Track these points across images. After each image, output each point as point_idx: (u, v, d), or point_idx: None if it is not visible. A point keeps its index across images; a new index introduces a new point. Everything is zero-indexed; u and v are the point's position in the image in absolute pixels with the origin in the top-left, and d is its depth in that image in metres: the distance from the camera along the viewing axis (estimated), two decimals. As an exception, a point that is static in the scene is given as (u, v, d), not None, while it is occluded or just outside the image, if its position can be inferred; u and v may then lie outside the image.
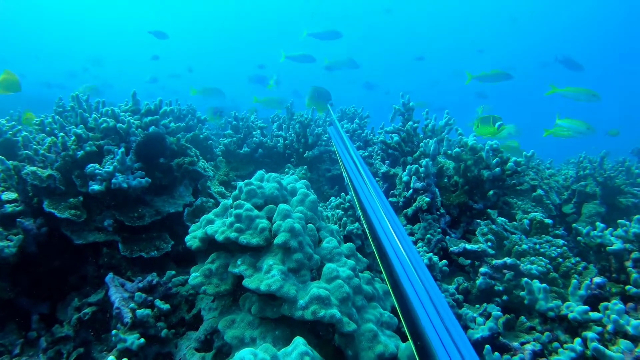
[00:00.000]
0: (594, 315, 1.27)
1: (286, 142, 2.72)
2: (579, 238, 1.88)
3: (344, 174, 1.75)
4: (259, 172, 1.59)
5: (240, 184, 1.51)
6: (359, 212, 1.57)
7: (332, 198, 2.20)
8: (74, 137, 1.72)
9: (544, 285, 1.36)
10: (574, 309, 1.28)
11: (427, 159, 1.81)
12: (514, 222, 2.18)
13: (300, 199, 1.51)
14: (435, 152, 1.90)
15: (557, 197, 3.59)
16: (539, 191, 3.24)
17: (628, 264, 1.64)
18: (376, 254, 1.25)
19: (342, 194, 1.94)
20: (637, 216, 1.74)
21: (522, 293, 1.42)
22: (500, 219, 2.17)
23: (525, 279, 1.39)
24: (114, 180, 1.60)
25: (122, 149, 1.65)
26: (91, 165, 1.65)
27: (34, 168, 1.60)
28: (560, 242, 1.92)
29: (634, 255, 1.58)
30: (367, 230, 1.39)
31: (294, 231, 1.34)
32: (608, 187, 3.50)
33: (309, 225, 1.44)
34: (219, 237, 1.38)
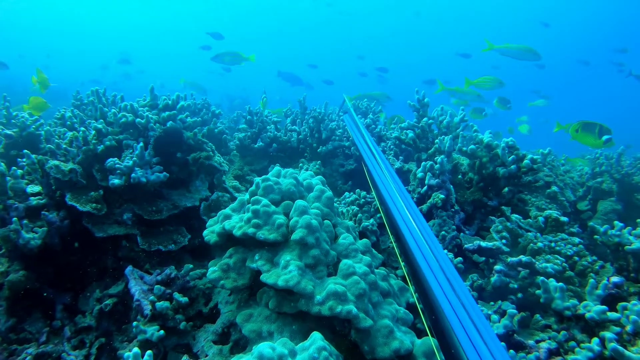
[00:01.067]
0: (612, 315, 1.26)
1: (300, 136, 2.73)
2: (595, 236, 1.86)
3: (363, 164, 1.77)
4: (276, 168, 1.61)
5: (257, 179, 1.53)
6: (374, 195, 1.58)
7: (347, 194, 2.21)
8: (94, 132, 1.75)
9: (560, 284, 1.36)
10: (592, 309, 1.28)
11: (442, 156, 1.81)
12: (529, 220, 2.17)
13: (316, 195, 1.53)
14: (450, 149, 1.90)
15: (572, 194, 3.56)
16: (554, 188, 3.21)
17: (646, 263, 1.63)
18: (389, 232, 1.27)
19: (357, 190, 1.94)
20: (656, 216, 1.73)
21: (537, 292, 1.42)
22: (515, 216, 2.16)
23: (542, 278, 1.39)
24: (133, 175, 1.63)
25: (141, 144, 1.68)
26: (111, 159, 1.68)
27: (56, 162, 1.64)
28: (576, 240, 1.91)
29: (653, 255, 1.57)
30: (383, 215, 1.43)
31: (311, 227, 1.35)
32: (625, 184, 3.45)
33: (326, 221, 1.45)
34: (237, 233, 1.40)
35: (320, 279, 1.33)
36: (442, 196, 1.79)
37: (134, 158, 1.66)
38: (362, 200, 1.82)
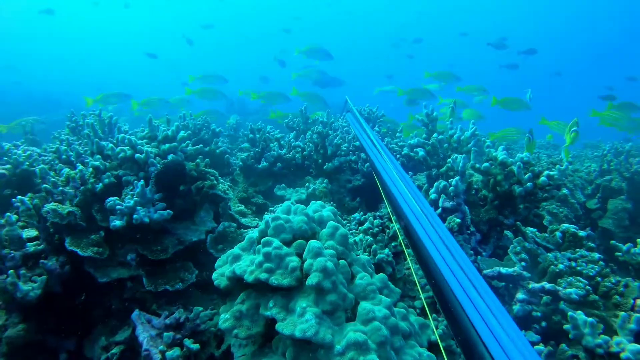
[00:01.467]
0: (648, 353, 1.20)
1: (304, 153, 2.65)
2: (617, 254, 1.80)
3: (371, 165, 1.74)
4: (286, 204, 1.53)
5: (267, 217, 1.46)
6: (384, 195, 1.55)
7: (357, 215, 2.14)
8: (91, 170, 1.67)
9: (590, 319, 1.29)
10: (626, 347, 1.22)
11: (456, 178, 1.74)
12: (545, 234, 2.10)
13: (330, 232, 1.45)
14: (464, 169, 1.82)
15: (582, 195, 3.49)
16: (564, 190, 3.15)
17: (674, 285, 1.56)
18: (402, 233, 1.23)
19: (370, 217, 1.87)
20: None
21: (566, 326, 1.35)
22: (530, 230, 2.09)
23: (571, 313, 1.32)
24: (135, 216, 1.55)
25: (142, 182, 1.60)
26: (111, 199, 1.60)
27: (53, 205, 1.56)
28: (596, 256, 1.84)
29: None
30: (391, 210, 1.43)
31: (327, 271, 1.28)
32: (635, 182, 3.39)
33: (341, 261, 1.38)
34: (249, 278, 1.33)
35: (338, 325, 1.26)
36: (458, 220, 1.72)
37: (135, 197, 1.58)
38: (376, 229, 1.75)
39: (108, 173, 1.68)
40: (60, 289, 1.56)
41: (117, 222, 1.56)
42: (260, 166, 2.51)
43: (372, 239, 1.70)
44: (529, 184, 1.80)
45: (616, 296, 1.66)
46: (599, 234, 3.21)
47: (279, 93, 4.61)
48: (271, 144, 2.66)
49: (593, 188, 3.54)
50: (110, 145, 1.74)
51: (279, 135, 2.81)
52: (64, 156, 1.95)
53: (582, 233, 2.00)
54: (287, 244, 1.41)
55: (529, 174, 1.81)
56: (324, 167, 2.52)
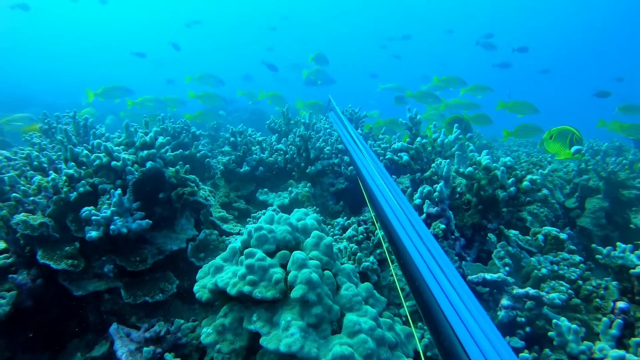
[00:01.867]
0: (630, 358, 1.21)
1: (287, 156, 2.61)
2: (597, 256, 1.82)
3: (356, 169, 1.72)
4: (269, 213, 1.49)
5: (250, 227, 1.42)
6: (368, 201, 1.53)
7: (341, 220, 2.11)
8: (65, 178, 1.60)
9: (574, 326, 1.30)
10: (609, 353, 1.23)
11: (441, 184, 1.73)
12: (527, 237, 2.12)
13: (314, 242, 1.42)
14: (448, 174, 1.82)
15: (561, 195, 3.55)
16: (544, 191, 3.19)
17: (653, 288, 1.59)
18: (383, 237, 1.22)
19: (354, 224, 1.85)
20: (659, 237, 1.69)
21: (550, 334, 1.35)
22: (512, 233, 2.10)
23: (555, 321, 1.33)
24: (112, 227, 1.49)
25: (119, 191, 1.54)
26: (86, 208, 1.53)
27: (24, 216, 1.48)
28: (577, 258, 1.87)
29: (661, 282, 1.53)
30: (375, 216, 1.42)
31: (312, 283, 1.25)
32: (612, 181, 3.46)
33: (326, 272, 1.35)
34: (232, 291, 1.29)
35: (324, 338, 1.23)
36: (443, 226, 1.71)
37: (112, 207, 1.52)
38: (361, 236, 1.73)
39: (83, 181, 1.61)
40: (31, 303, 1.49)
41: (93, 233, 1.49)
42: (242, 170, 2.46)
43: (356, 246, 1.68)
44: (512, 189, 1.81)
45: (597, 299, 1.68)
46: (577, 233, 3.26)
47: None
48: (253, 148, 2.61)
49: (572, 187, 3.60)
50: (85, 152, 1.67)
51: (261, 139, 2.76)
52: (35, 162, 1.86)
53: (563, 236, 2.02)
54: (271, 254, 1.38)
55: (512, 178, 1.81)
56: (307, 171, 2.48)
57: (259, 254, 1.33)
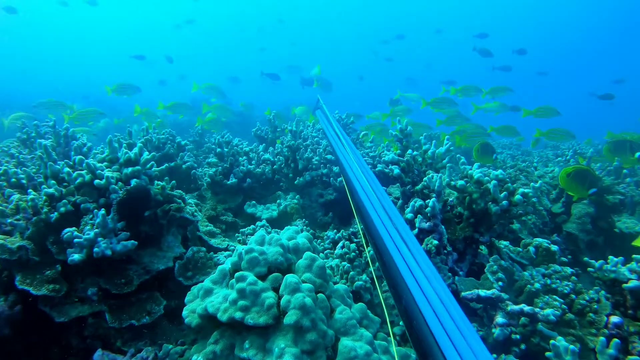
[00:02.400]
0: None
1: (274, 167, 2.56)
2: (590, 269, 1.83)
3: (346, 181, 1.66)
4: (259, 234, 1.45)
5: (240, 249, 1.37)
6: (353, 204, 1.45)
7: (330, 233, 2.08)
8: (45, 197, 1.53)
9: (572, 346, 1.28)
10: (606, 375, 1.22)
11: (433, 199, 1.71)
12: (518, 249, 2.11)
13: (307, 264, 1.38)
14: (440, 188, 1.80)
15: (548, 201, 3.58)
16: (534, 199, 3.21)
17: (645, 302, 1.59)
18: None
19: (344, 235, 1.81)
20: (650, 250, 1.70)
21: (548, 354, 1.34)
22: (503, 244, 2.10)
23: (552, 342, 1.32)
24: (96, 249, 1.43)
25: (103, 211, 1.48)
26: (68, 230, 1.47)
27: (0, 239, 1.41)
28: (569, 270, 1.87)
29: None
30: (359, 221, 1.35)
31: (306, 308, 1.22)
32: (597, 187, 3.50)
33: (320, 295, 1.32)
34: (222, 317, 1.25)
35: (319, 365, 1.20)
36: (436, 242, 1.69)
37: (96, 229, 1.46)
38: (353, 253, 1.69)
39: (64, 200, 1.54)
40: (9, 331, 1.41)
41: (75, 256, 1.43)
42: (229, 182, 2.40)
43: (349, 265, 1.64)
44: (504, 202, 1.80)
45: (590, 314, 1.68)
46: (564, 238, 3.29)
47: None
48: (240, 158, 2.56)
49: (557, 193, 3.63)
50: (67, 169, 1.60)
51: (248, 149, 2.70)
52: (13, 179, 1.78)
53: (554, 248, 2.02)
54: (262, 277, 1.34)
55: (505, 192, 1.80)
56: (295, 182, 2.44)
57: (251, 277, 1.29)
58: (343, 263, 1.65)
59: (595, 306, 1.68)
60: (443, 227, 1.79)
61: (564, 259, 2.02)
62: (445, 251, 1.81)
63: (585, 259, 1.83)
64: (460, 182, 1.86)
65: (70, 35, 35.48)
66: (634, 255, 1.71)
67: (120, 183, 1.62)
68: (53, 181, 1.59)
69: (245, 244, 2.07)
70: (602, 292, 1.75)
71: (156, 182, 1.82)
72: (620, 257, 1.77)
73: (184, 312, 1.37)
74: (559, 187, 3.53)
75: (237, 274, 1.30)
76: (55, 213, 1.51)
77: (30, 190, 1.63)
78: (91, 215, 1.55)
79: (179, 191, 1.90)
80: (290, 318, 1.20)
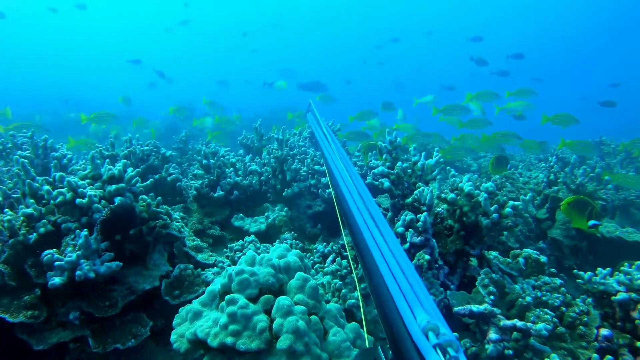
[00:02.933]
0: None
1: (262, 178, 2.52)
2: (579, 281, 1.83)
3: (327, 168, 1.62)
4: (249, 254, 1.41)
5: (230, 271, 1.33)
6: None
7: (320, 247, 2.05)
8: (22, 218, 1.46)
9: (566, 364, 1.28)
10: (601, 392, 1.22)
11: (424, 214, 1.69)
12: (508, 260, 2.12)
13: (299, 284, 1.35)
14: (431, 202, 1.79)
15: (533, 207, 3.62)
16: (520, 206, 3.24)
17: (634, 314, 1.61)
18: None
19: (334, 249, 1.78)
20: (638, 262, 1.72)
21: (542, 370, 1.33)
22: (492, 254, 2.10)
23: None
24: (78, 272, 1.37)
25: (85, 232, 1.42)
26: (48, 252, 1.40)
27: (-24, 264, 1.34)
28: (558, 281, 1.87)
29: (641, 307, 1.55)
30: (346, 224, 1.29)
31: (299, 332, 1.18)
32: (580, 193, 3.56)
33: (313, 317, 1.29)
34: (213, 342, 1.20)
35: (313, 391, 1.16)
36: (428, 257, 1.68)
37: (78, 250, 1.40)
38: (345, 270, 1.67)
39: (44, 220, 1.48)
40: (-14, 360, 1.34)
41: (56, 280, 1.36)
42: (216, 195, 2.35)
43: (340, 282, 1.61)
44: (494, 215, 1.80)
45: (581, 326, 1.69)
46: (548, 244, 3.32)
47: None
48: (227, 170, 2.51)
49: (542, 198, 3.68)
50: (46, 187, 1.53)
51: (234, 160, 2.65)
52: (-11, 197, 1.70)
53: (543, 259, 2.03)
54: (254, 299, 1.30)
55: (495, 205, 1.80)
56: (283, 194, 2.41)
57: (242, 300, 1.25)
58: (335, 280, 1.62)
59: (585, 319, 1.69)
60: (434, 241, 1.78)
61: (552, 269, 2.04)
62: (437, 265, 1.79)
63: (575, 271, 1.84)
64: (451, 195, 1.85)
65: (59, 38, 34.82)
66: (621, 268, 1.73)
67: (103, 201, 1.56)
68: (32, 200, 1.53)
69: (234, 260, 2.03)
70: (589, 299, 1.77)
71: (141, 197, 1.77)
72: (608, 269, 1.78)
73: (172, 337, 1.31)
74: (543, 193, 3.59)
75: (227, 297, 1.26)
76: (34, 234, 1.45)
77: (6, 209, 1.55)
78: (73, 236, 1.49)
79: (165, 207, 1.85)
80: (283, 343, 1.16)
